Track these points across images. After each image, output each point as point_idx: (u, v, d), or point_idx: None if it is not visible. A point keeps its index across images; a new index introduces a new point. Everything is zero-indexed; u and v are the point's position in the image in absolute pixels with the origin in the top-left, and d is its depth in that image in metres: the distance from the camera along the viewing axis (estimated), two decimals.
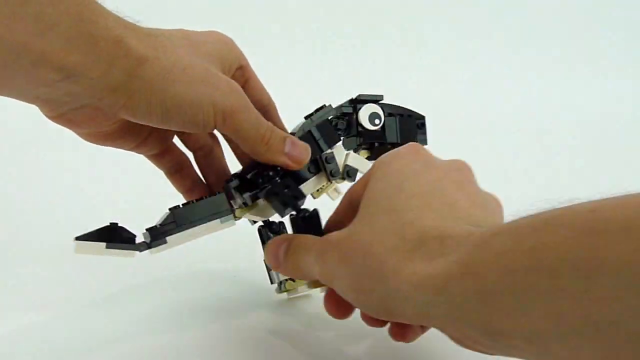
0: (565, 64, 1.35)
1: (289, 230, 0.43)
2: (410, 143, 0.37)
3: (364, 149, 0.45)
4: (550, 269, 0.23)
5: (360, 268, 0.31)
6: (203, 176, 0.45)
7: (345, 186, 0.42)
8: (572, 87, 1.30)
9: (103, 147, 0.40)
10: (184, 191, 0.44)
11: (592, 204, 0.23)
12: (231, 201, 0.40)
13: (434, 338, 0.29)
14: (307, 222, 0.39)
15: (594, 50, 1.38)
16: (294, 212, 0.40)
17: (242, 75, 0.43)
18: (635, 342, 0.21)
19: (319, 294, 0.46)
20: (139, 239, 0.37)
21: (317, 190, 0.43)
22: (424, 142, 0.47)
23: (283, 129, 0.45)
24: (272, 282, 0.45)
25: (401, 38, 1.27)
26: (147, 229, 0.37)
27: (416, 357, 0.39)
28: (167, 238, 0.38)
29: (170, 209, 0.38)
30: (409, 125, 0.46)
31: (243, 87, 0.43)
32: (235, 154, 0.45)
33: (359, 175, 0.43)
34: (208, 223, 0.39)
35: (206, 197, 0.39)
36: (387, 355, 0.40)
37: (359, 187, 0.36)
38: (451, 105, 1.13)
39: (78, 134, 0.39)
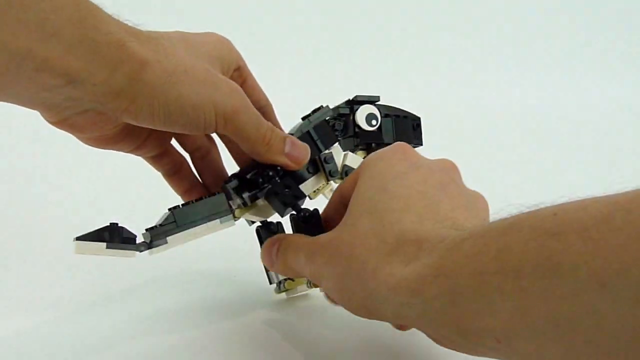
0: (563, 65, 1.36)
1: (289, 230, 0.43)
2: (398, 142, 0.38)
3: (360, 149, 0.46)
4: (514, 270, 0.24)
5: (344, 269, 0.32)
6: (200, 177, 0.45)
7: None
8: (571, 87, 1.31)
9: (103, 150, 0.41)
10: (182, 192, 0.45)
11: (555, 207, 0.25)
12: (230, 201, 0.40)
13: None
14: (308, 222, 0.40)
15: (593, 50, 1.39)
16: (294, 212, 0.40)
17: (240, 75, 0.44)
18: (592, 339, 0.22)
19: (317, 293, 0.47)
20: (139, 239, 0.37)
21: (314, 191, 0.43)
22: (420, 143, 0.47)
23: (280, 129, 0.45)
24: (270, 282, 0.45)
25: (398, 38, 1.27)
26: (147, 229, 0.38)
27: (416, 356, 0.39)
28: (167, 238, 0.38)
29: (170, 209, 0.38)
30: (404, 126, 0.46)
31: (240, 87, 0.43)
32: (233, 156, 0.45)
33: None
34: (208, 223, 0.39)
35: (206, 197, 0.39)
36: (387, 354, 0.40)
37: (349, 185, 0.37)
38: (447, 106, 1.13)
39: (79, 138, 0.39)
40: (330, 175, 0.42)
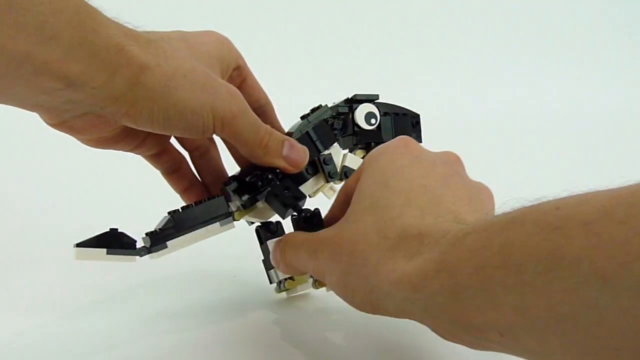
0: (566, 61, 1.36)
1: (290, 229, 0.43)
2: (400, 136, 0.38)
3: (360, 148, 0.45)
4: (516, 265, 0.24)
5: (346, 265, 0.32)
6: (199, 176, 0.45)
7: (340, 184, 0.42)
8: (573, 82, 1.31)
9: (101, 151, 0.40)
10: (181, 191, 0.45)
11: (557, 201, 0.24)
12: (229, 204, 0.40)
13: (433, 334, 0.30)
14: (309, 222, 0.40)
15: (592, 51, 1.39)
16: (295, 213, 0.40)
17: (239, 74, 0.43)
18: (593, 333, 0.22)
19: (318, 293, 0.47)
20: (139, 244, 0.37)
21: (314, 191, 0.43)
22: (419, 140, 0.47)
23: (280, 128, 0.45)
24: (271, 282, 0.45)
25: (397, 37, 1.27)
26: (146, 234, 0.38)
27: (416, 356, 0.39)
28: (168, 242, 0.38)
29: (169, 213, 0.38)
30: (403, 124, 0.46)
31: (240, 86, 0.43)
32: (233, 155, 0.45)
33: None
34: (208, 226, 0.39)
35: (205, 201, 0.39)
36: (387, 353, 0.40)
37: (353, 182, 0.37)
38: (447, 102, 1.13)
39: (78, 139, 0.39)
40: (329, 177, 0.42)
